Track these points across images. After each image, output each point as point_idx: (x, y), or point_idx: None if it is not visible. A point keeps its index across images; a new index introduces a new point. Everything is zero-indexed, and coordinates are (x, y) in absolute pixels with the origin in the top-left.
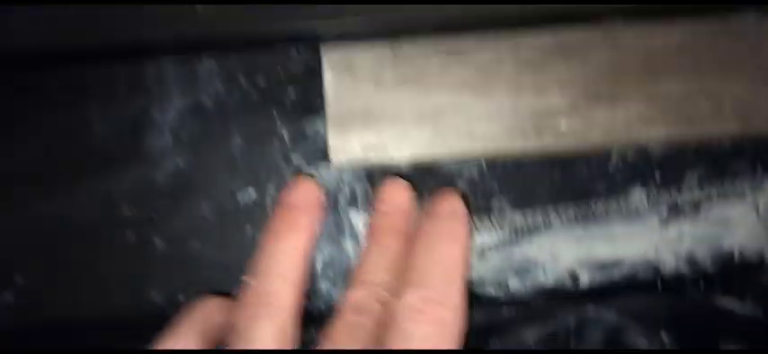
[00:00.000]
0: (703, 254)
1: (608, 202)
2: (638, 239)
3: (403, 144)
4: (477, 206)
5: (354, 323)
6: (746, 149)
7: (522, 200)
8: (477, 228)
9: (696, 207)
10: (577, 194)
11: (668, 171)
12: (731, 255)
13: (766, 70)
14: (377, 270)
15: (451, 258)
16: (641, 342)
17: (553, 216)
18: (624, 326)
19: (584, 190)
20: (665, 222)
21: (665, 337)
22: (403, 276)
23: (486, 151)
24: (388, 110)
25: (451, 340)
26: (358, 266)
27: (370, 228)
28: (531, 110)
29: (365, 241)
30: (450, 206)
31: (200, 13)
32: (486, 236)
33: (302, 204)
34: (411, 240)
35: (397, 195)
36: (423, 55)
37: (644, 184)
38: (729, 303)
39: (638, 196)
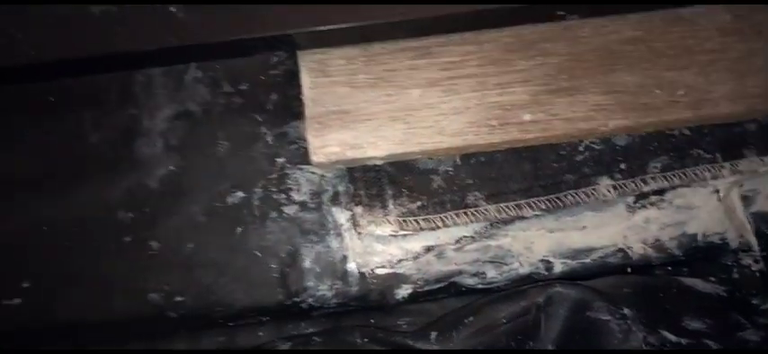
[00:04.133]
0: (669, 239)
1: (577, 193)
2: (607, 227)
3: (378, 141)
4: (454, 200)
5: None
6: (705, 138)
7: (496, 194)
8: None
9: (661, 194)
10: (548, 186)
11: (633, 161)
12: (695, 239)
13: (716, 58)
14: None
15: None
16: (604, 316)
17: (526, 208)
18: (589, 300)
19: (554, 182)
20: (631, 210)
21: (627, 311)
22: None
23: (454, 145)
24: (363, 110)
25: None
26: None
27: None
28: (496, 105)
29: None
30: None
31: (180, 23)
32: (464, 229)
33: None
34: None
35: None
36: (393, 56)
37: (610, 175)
38: (693, 282)
39: (605, 186)
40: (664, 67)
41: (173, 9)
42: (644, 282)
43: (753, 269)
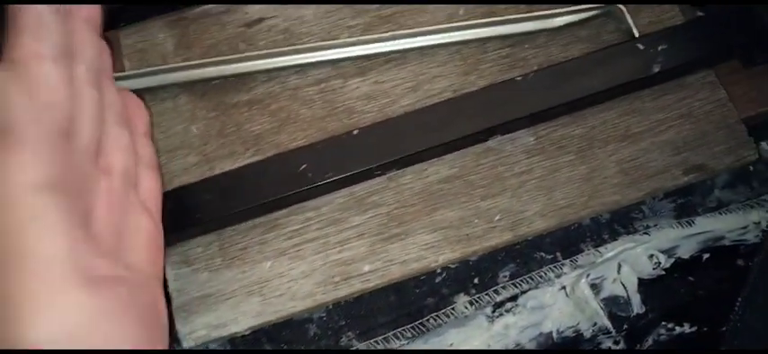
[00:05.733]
0: (529, 341)
1: (439, 315)
2: (471, 341)
3: (238, 317)
4: (329, 345)
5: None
6: (545, 240)
7: (367, 330)
8: None
9: (514, 300)
10: (412, 313)
11: (484, 274)
12: (551, 336)
13: (525, 180)
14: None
15: None
16: None
17: (393, 340)
18: None
19: (417, 308)
20: (491, 319)
21: None
22: None
23: (305, 307)
24: (222, 290)
25: None
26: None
27: None
28: (338, 262)
29: None
30: None
31: None
32: None
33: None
34: None
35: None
36: (244, 235)
37: (466, 291)
38: None
39: (462, 302)
40: (479, 197)
41: None
42: None
43: (613, 350)
